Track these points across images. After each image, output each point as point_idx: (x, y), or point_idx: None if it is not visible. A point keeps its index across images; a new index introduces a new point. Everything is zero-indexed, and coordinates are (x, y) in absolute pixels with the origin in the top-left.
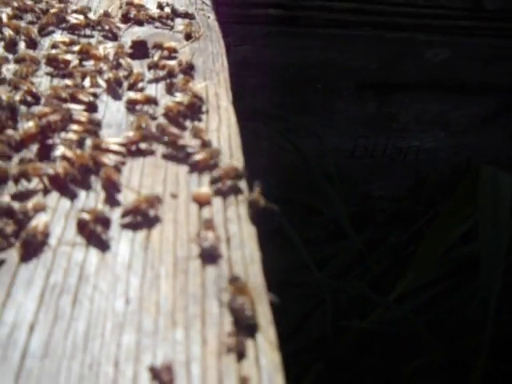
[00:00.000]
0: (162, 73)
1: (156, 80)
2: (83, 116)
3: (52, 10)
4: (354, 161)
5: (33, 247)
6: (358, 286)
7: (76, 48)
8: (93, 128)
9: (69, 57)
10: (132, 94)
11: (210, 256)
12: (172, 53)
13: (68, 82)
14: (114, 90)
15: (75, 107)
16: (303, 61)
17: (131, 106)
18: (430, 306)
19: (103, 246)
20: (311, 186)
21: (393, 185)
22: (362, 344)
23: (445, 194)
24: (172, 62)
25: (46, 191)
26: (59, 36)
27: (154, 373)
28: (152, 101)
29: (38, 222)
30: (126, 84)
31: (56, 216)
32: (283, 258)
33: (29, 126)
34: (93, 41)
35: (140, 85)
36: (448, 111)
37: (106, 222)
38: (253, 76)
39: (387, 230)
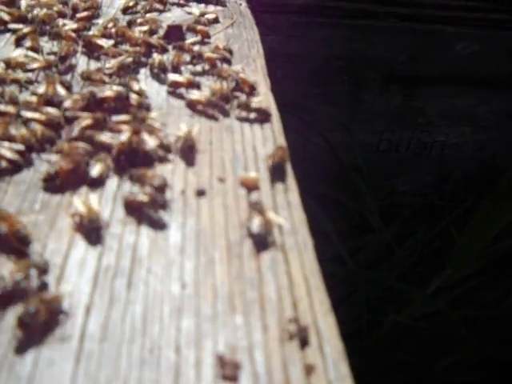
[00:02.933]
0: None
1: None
2: (134, 99)
3: None
4: (379, 155)
5: (87, 233)
6: (392, 277)
7: (112, 30)
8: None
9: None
10: (175, 77)
11: (263, 241)
12: (205, 37)
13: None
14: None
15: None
16: (330, 52)
17: (173, 88)
18: (464, 301)
19: (154, 229)
20: (336, 178)
21: (417, 180)
22: (394, 338)
23: (470, 189)
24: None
25: None
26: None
27: (221, 362)
28: (195, 85)
29: (89, 206)
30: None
31: (104, 197)
32: None
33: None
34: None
35: (182, 68)
36: (474, 106)
37: (161, 205)
38: (280, 66)
39: (413, 225)
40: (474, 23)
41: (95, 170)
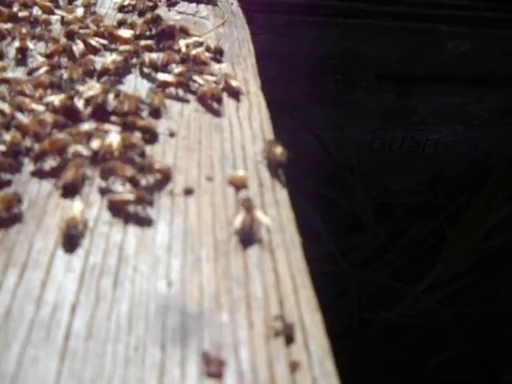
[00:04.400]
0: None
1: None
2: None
3: None
4: (372, 154)
5: (74, 237)
6: (384, 276)
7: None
8: None
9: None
10: (164, 76)
11: (250, 239)
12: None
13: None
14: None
15: None
16: (322, 51)
17: (162, 88)
18: (456, 299)
19: (141, 227)
20: (329, 177)
21: (411, 178)
22: (386, 336)
23: (463, 187)
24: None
25: None
26: None
27: (206, 360)
28: (185, 84)
29: (74, 211)
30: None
31: (91, 196)
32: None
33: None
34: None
35: (172, 66)
36: (467, 104)
37: (149, 202)
38: (271, 66)
39: (406, 224)
40: (467, 21)
41: (95, 143)
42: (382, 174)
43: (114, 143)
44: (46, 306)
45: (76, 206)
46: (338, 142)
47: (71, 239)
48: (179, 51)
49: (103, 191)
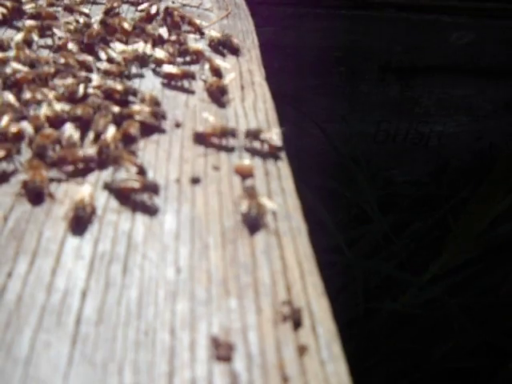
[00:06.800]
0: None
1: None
2: None
3: None
4: (376, 146)
5: (83, 220)
6: (389, 266)
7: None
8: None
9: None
10: (169, 68)
11: (257, 227)
12: (197, 29)
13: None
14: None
15: None
16: (327, 43)
17: (167, 80)
18: (461, 289)
19: (149, 215)
20: (334, 169)
21: (415, 170)
22: (391, 325)
23: (467, 178)
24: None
25: None
26: None
27: (215, 344)
28: (190, 75)
29: (84, 193)
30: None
31: (99, 185)
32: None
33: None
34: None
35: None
36: (471, 96)
37: (154, 190)
38: (276, 58)
39: (411, 215)
40: (470, 12)
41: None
42: (387, 165)
43: (108, 136)
44: (56, 293)
45: (85, 189)
46: (343, 135)
47: (80, 222)
48: (182, 43)
49: (109, 181)
